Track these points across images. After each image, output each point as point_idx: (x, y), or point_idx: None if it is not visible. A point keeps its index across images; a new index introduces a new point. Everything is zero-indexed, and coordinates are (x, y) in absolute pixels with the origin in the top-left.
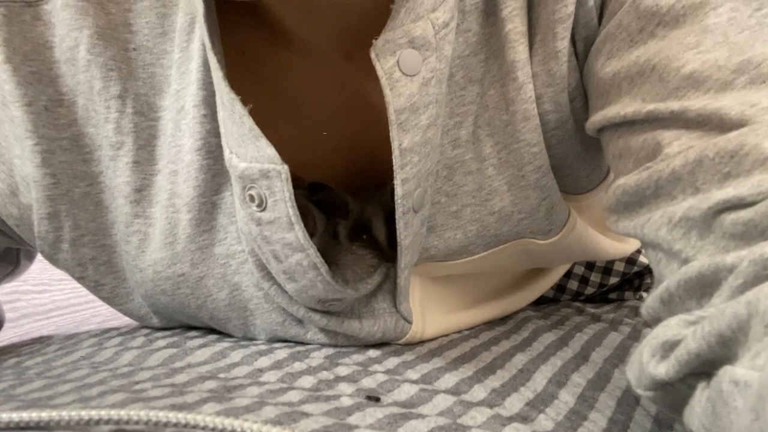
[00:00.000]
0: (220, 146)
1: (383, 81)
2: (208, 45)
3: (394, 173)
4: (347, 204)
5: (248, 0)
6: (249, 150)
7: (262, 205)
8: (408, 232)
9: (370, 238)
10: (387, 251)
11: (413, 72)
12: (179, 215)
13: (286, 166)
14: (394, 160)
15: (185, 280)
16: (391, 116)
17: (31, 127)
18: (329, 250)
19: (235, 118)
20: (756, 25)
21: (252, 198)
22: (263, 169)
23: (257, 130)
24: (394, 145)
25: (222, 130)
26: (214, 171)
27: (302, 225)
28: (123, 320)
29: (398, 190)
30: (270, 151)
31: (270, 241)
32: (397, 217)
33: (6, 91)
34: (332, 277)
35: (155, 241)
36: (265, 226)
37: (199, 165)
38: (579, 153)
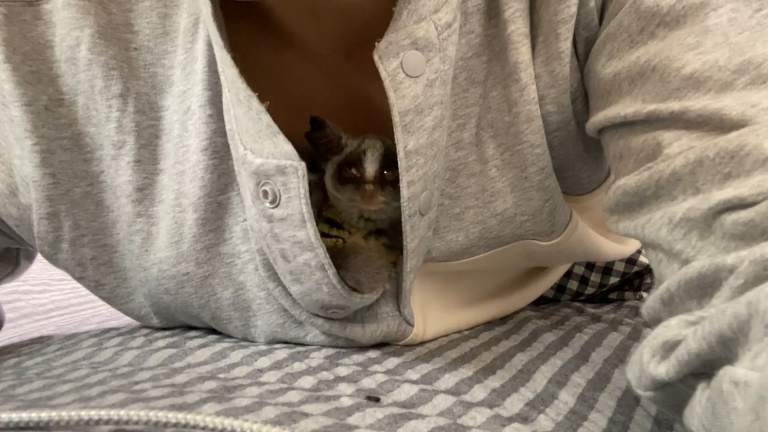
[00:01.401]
0: (226, 146)
1: (387, 83)
2: (220, 43)
3: (400, 176)
4: (341, 138)
5: (251, 0)
6: (266, 146)
7: (275, 202)
8: (414, 235)
9: (359, 172)
10: (376, 189)
11: (417, 73)
12: (185, 215)
13: (303, 163)
14: (399, 163)
15: (189, 279)
16: (396, 118)
17: (30, 127)
18: (337, 253)
19: (251, 114)
20: (756, 26)
21: (266, 194)
22: (280, 165)
23: (275, 127)
24: (399, 147)
25: (232, 127)
26: (220, 171)
27: (314, 223)
28: (123, 320)
29: (404, 193)
30: (288, 147)
31: (280, 239)
32: (403, 220)
33: (5, 91)
34: (339, 280)
35: (160, 240)
36: (276, 223)
37: (205, 165)
38: (581, 154)
